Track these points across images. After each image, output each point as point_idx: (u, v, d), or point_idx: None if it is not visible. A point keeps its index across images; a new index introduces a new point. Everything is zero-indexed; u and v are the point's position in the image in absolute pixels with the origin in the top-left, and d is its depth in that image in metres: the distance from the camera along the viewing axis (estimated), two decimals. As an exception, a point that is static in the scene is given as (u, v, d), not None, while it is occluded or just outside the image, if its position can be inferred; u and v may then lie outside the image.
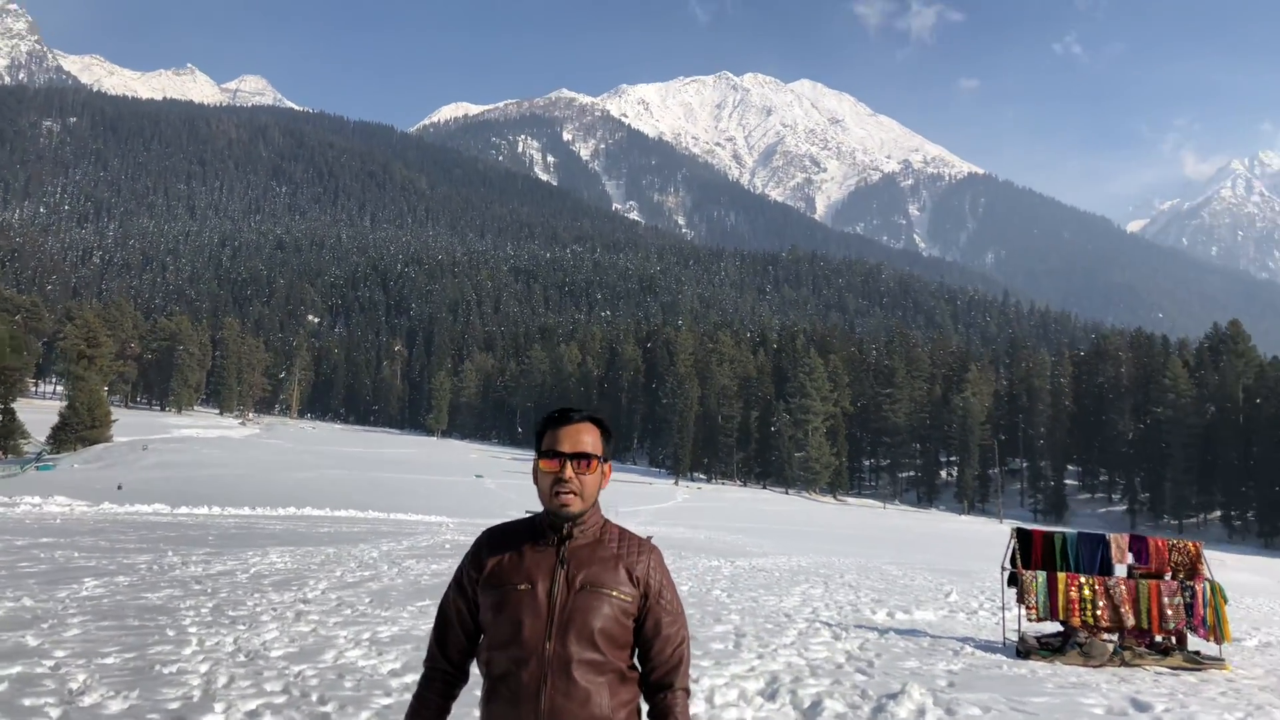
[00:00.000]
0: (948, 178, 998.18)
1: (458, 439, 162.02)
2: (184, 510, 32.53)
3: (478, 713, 2.29)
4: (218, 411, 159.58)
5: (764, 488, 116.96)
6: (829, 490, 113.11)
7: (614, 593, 2.26)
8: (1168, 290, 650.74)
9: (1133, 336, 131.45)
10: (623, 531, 2.42)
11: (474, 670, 2.37)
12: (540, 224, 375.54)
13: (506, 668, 2.22)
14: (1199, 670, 11.87)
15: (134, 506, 32.69)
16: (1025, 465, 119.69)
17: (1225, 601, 12.80)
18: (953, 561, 33.31)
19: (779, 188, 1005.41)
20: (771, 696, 8.04)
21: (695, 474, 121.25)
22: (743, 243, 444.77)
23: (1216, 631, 12.47)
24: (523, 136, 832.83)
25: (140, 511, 31.21)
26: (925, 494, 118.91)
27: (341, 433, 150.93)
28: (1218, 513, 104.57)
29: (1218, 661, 12.30)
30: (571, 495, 2.27)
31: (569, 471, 2.26)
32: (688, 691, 2.38)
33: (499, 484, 75.28)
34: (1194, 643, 13.28)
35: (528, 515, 2.46)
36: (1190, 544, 13.44)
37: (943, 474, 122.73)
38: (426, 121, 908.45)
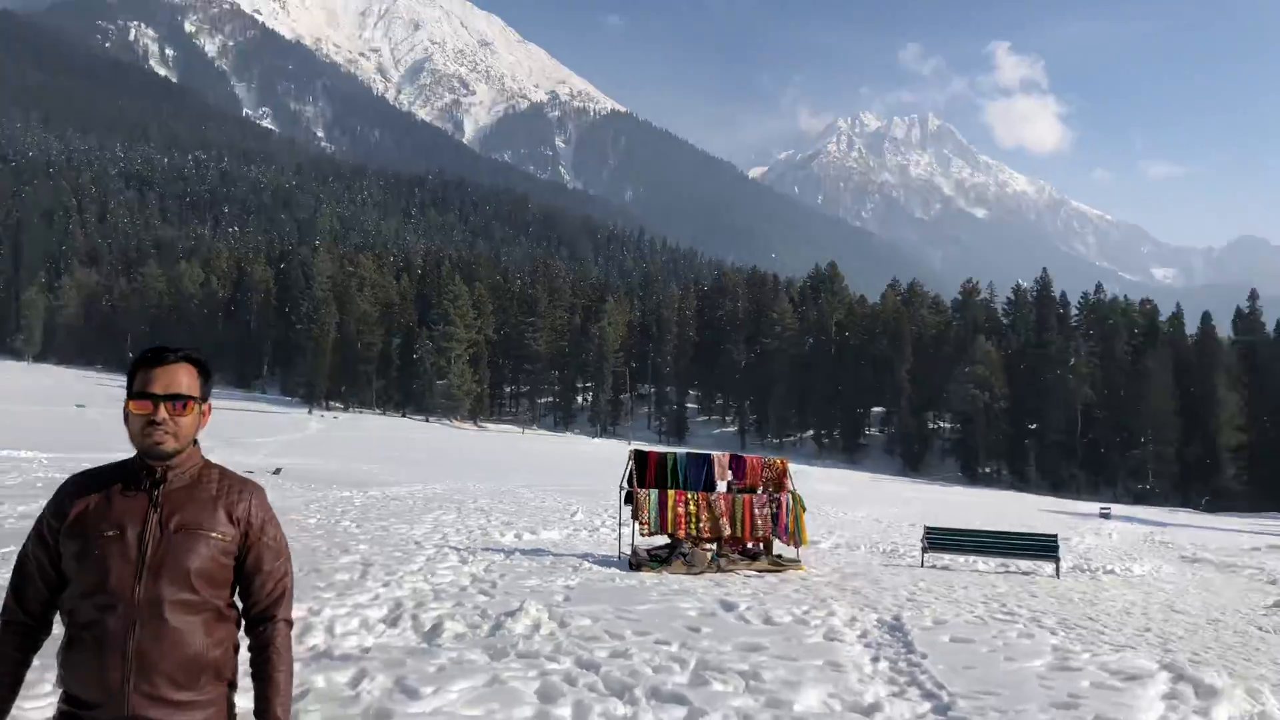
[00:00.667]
0: (593, 113, 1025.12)
1: (55, 364, 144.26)
2: None
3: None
4: None
5: (404, 416, 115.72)
6: (470, 417, 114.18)
7: (212, 533, 2.20)
8: (781, 233, 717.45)
9: (749, 274, 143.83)
10: (224, 472, 2.33)
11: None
12: (157, 125, 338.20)
13: (92, 615, 2.10)
14: (780, 571, 13.53)
15: None
16: (653, 391, 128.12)
17: (804, 510, 14.64)
18: (583, 483, 35.01)
19: (427, 107, 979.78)
20: (394, 622, 8.12)
21: (332, 403, 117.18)
22: (387, 162, 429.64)
23: (795, 536, 14.25)
24: (135, 23, 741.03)
25: None
26: (563, 419, 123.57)
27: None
28: (810, 432, 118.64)
29: (795, 563, 14.08)
30: (165, 435, 2.16)
31: (163, 413, 2.15)
32: (290, 622, 2.38)
33: (104, 414, 68.24)
34: (779, 547, 15.07)
35: (112, 462, 2.31)
36: (779, 460, 15.18)
37: (579, 399, 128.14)
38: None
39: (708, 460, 14.71)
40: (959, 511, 39.41)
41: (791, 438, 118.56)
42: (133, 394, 2.18)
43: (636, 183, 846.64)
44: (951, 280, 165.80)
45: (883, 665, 7.52)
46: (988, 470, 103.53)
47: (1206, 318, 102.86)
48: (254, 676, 2.29)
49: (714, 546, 13.77)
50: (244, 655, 2.29)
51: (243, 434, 53.69)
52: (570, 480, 37.06)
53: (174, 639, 2.12)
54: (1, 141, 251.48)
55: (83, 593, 2.13)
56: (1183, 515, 64.51)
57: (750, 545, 14.15)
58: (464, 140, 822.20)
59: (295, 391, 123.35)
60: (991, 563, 17.69)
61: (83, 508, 2.17)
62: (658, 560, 13.04)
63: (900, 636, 8.75)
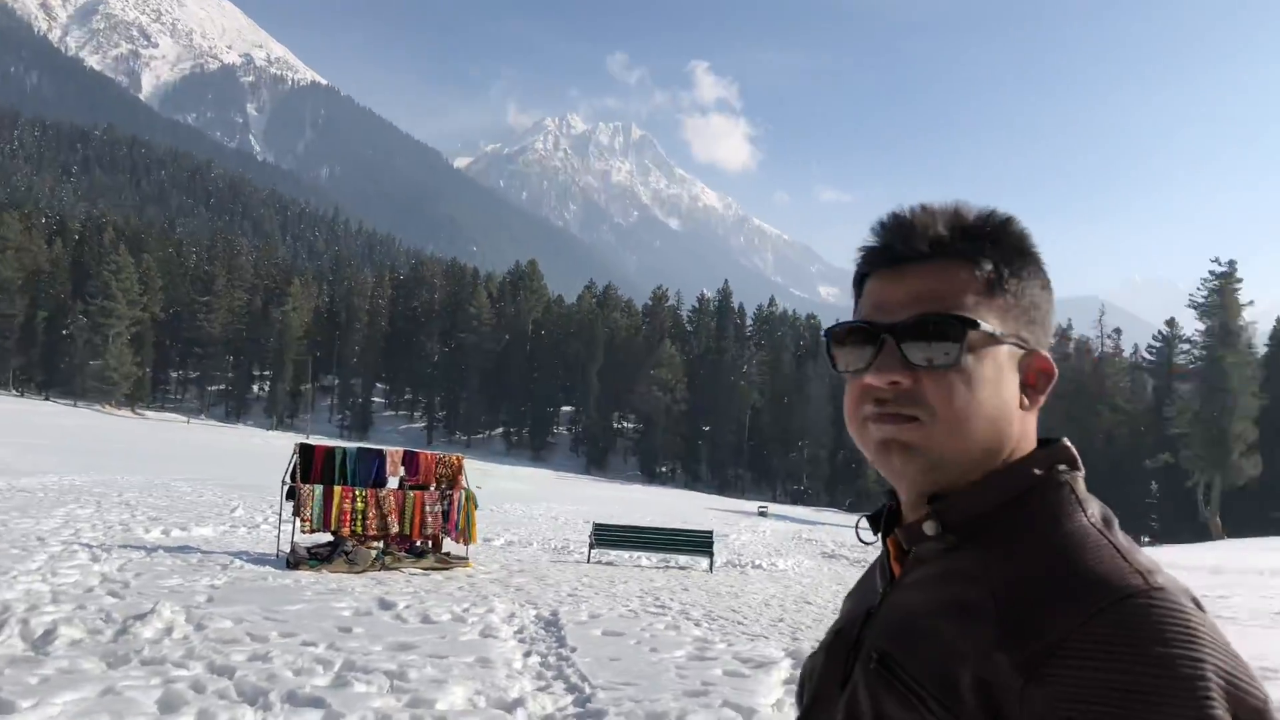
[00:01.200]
0: (291, 82, 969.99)
1: None
2: None
3: None
4: None
5: (47, 399, 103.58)
6: (128, 403, 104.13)
7: None
8: (483, 226, 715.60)
9: (449, 265, 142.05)
10: None
11: None
12: None
13: None
14: (447, 569, 13.48)
15: None
16: (338, 382, 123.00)
17: (476, 507, 14.69)
18: (250, 477, 33.08)
19: (98, 54, 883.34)
20: (-4, 628, 7.24)
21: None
22: (45, 110, 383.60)
23: (465, 534, 14.27)
24: None
25: None
26: (235, 409, 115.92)
27: None
28: (500, 430, 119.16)
29: (463, 561, 14.09)
30: None
31: None
32: None
33: None
34: (448, 545, 15.00)
35: None
36: (454, 457, 15.13)
37: (255, 389, 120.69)
38: None
39: (379, 456, 14.37)
40: (634, 509, 41.16)
41: (481, 435, 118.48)
42: None
43: (334, 161, 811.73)
44: (644, 285, 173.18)
45: (533, 660, 7.70)
46: (664, 469, 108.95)
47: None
48: None
49: (380, 544, 13.47)
50: None
51: None
52: (237, 475, 34.87)
53: None
54: None
55: None
56: (828, 514, 71.12)
57: (418, 543, 13.99)
58: (140, 96, 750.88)
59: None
60: (654, 558, 18.64)
61: None
62: (318, 559, 12.56)
63: (555, 631, 8.99)
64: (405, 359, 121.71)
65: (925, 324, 0.90)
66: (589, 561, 17.20)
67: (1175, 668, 0.72)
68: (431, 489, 14.40)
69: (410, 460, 14.67)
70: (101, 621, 7.70)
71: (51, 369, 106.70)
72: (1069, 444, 0.95)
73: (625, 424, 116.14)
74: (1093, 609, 0.76)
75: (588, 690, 6.68)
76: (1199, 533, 61.23)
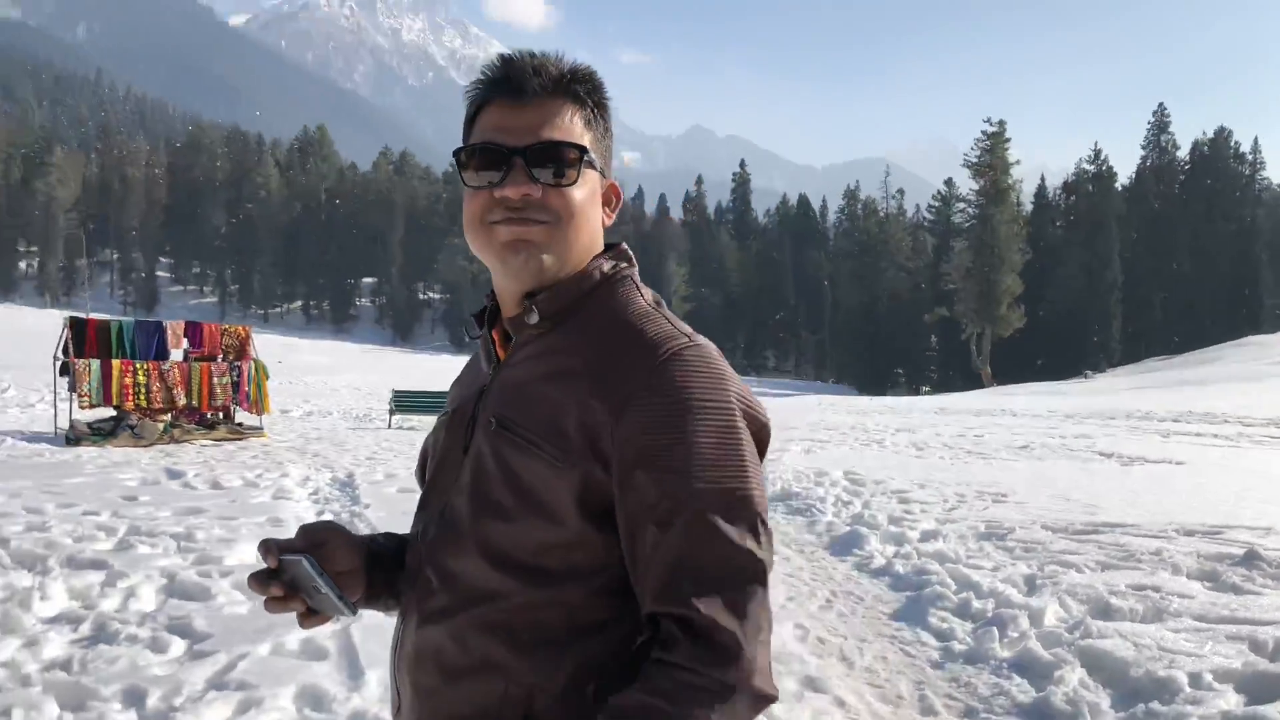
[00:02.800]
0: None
1: None
2: None
3: None
4: None
5: None
6: None
7: None
8: (267, 90, 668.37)
9: (230, 132, 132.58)
10: None
11: None
12: None
13: None
14: (240, 439, 13.28)
15: None
16: (117, 257, 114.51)
17: (267, 378, 14.42)
18: (23, 357, 30.90)
19: None
20: None
21: None
22: None
23: (258, 404, 14.03)
24: None
25: None
26: (2, 286, 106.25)
27: None
28: (299, 303, 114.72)
29: (257, 430, 13.90)
30: None
31: None
32: None
33: None
34: (242, 416, 14.72)
35: None
36: (241, 328, 14.72)
37: (22, 265, 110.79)
38: None
39: (159, 328, 13.78)
40: (440, 378, 40.99)
41: (278, 309, 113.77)
42: None
43: (91, 19, 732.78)
44: (443, 150, 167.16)
45: (326, 517, 7.87)
46: (474, 338, 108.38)
47: (663, 200, 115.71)
48: None
49: (168, 418, 13.09)
50: None
51: None
52: (7, 354, 32.48)
53: None
54: None
55: None
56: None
57: (209, 415, 13.67)
58: None
59: None
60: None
61: None
62: (101, 434, 12.12)
63: (350, 491, 9.17)
64: (190, 231, 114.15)
65: (552, 147, 1.12)
66: (390, 428, 17.28)
67: (710, 392, 1.06)
68: (219, 360, 14.00)
69: (193, 331, 14.16)
70: None
71: None
72: (626, 247, 1.26)
73: (431, 294, 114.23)
74: (656, 360, 1.07)
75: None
76: (973, 381, 66.69)
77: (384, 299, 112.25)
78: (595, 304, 1.17)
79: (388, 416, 18.07)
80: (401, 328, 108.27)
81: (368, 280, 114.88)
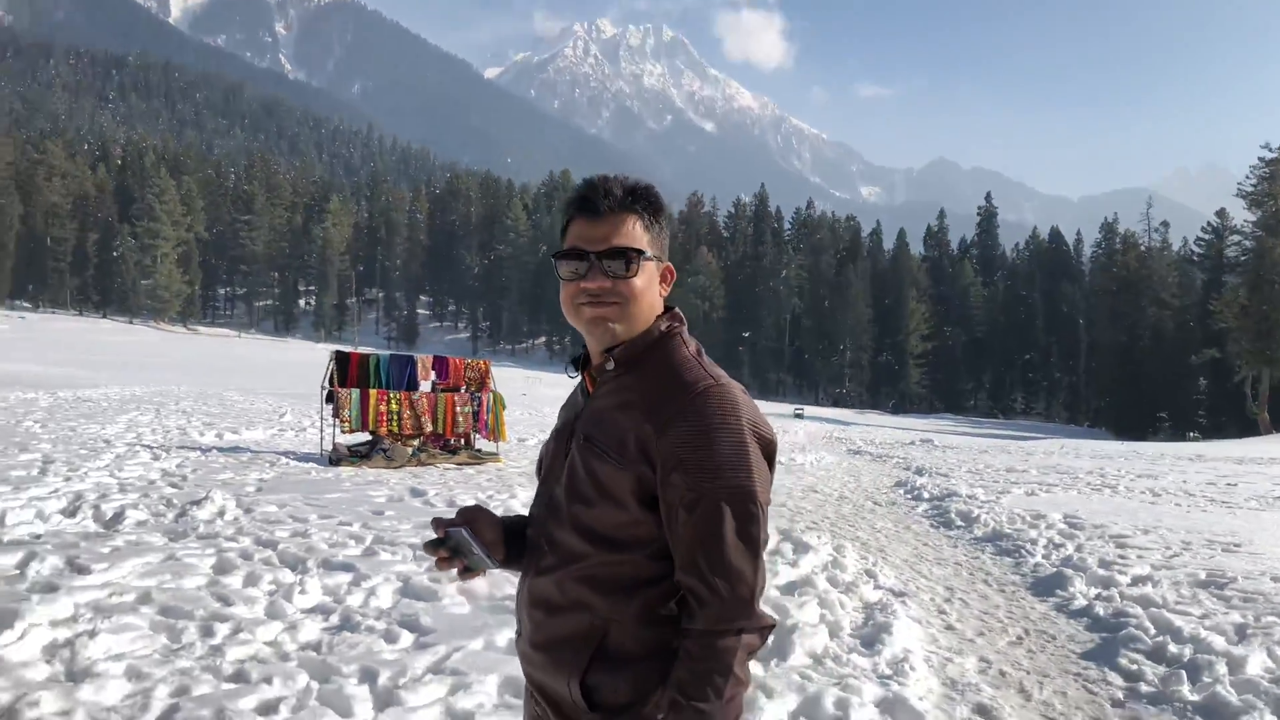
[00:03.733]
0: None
1: None
2: None
3: None
4: None
5: (104, 317, 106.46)
6: (180, 319, 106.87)
7: None
8: (516, 138, 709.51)
9: (483, 178, 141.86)
10: None
11: None
12: None
13: None
14: (478, 464, 14.40)
15: None
16: (382, 295, 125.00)
17: (504, 408, 15.54)
18: (298, 387, 34.33)
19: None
20: (72, 513, 8.20)
21: (18, 302, 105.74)
22: (77, 39, 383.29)
23: (495, 432, 15.15)
24: None
25: None
26: (283, 323, 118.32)
27: None
28: (543, 339, 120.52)
29: (494, 456, 15.01)
30: None
31: None
32: None
33: None
34: (481, 444, 15.91)
35: None
36: (482, 362, 15.95)
37: (301, 303, 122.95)
38: None
39: (410, 361, 15.22)
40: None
41: (525, 344, 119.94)
42: None
43: (365, 77, 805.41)
44: (681, 191, 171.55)
45: (545, 535, 8.53)
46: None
47: (902, 235, 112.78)
48: None
49: (416, 442, 14.40)
50: None
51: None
52: (286, 385, 36.21)
53: None
54: None
55: None
56: (871, 416, 71.68)
57: (451, 440, 14.91)
58: (170, 20, 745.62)
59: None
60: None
61: None
62: (358, 455, 13.52)
63: (569, 513, 9.81)
64: (446, 271, 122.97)
65: (618, 252, 1.64)
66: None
67: (726, 418, 1.55)
68: (462, 391, 15.25)
69: (440, 365, 15.52)
70: (163, 506, 8.66)
71: (106, 289, 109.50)
72: (678, 311, 1.76)
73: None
74: (689, 395, 1.57)
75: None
76: (1248, 427, 60.67)
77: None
78: (653, 354, 1.67)
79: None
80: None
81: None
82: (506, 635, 5.10)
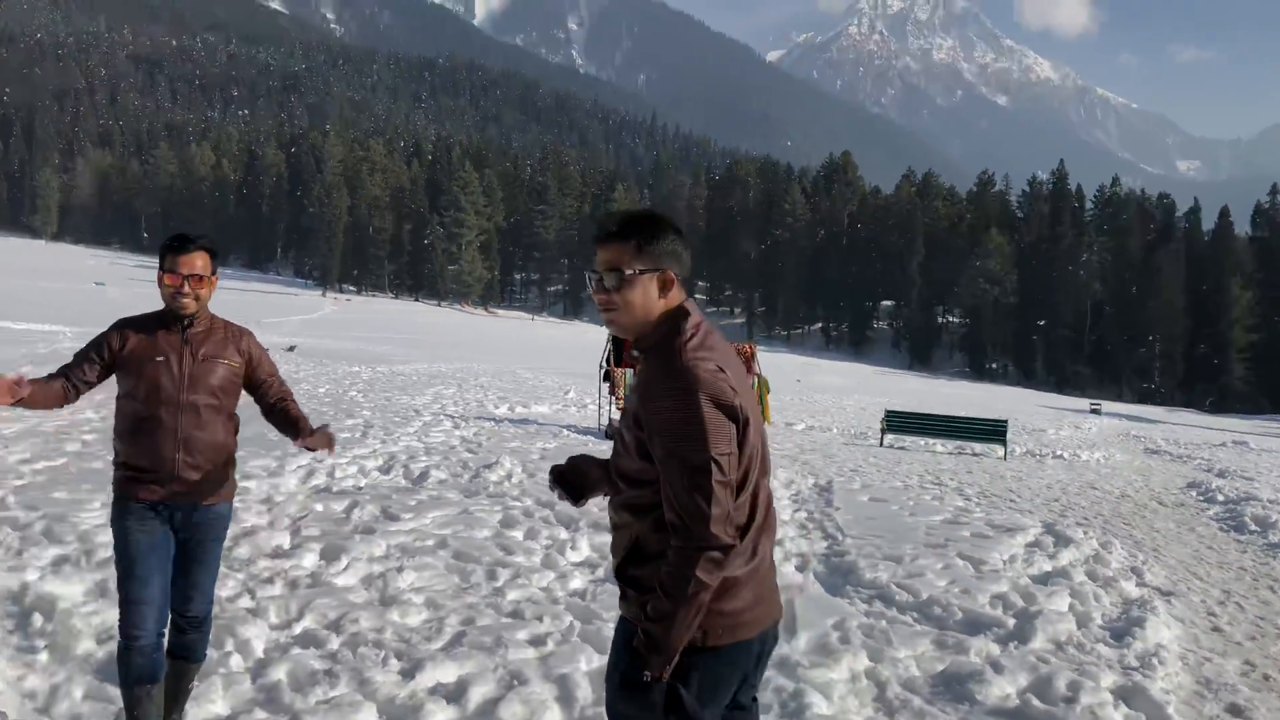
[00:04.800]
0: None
1: (71, 244, 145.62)
2: None
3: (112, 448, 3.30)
4: None
5: (416, 300, 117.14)
6: (481, 302, 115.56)
7: (226, 361, 3.36)
8: (797, 120, 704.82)
9: (762, 163, 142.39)
10: (227, 323, 3.50)
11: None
12: (165, 6, 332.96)
13: (147, 413, 3.24)
14: (745, 444, 14.86)
15: None
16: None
17: (769, 391, 15.90)
18: (583, 367, 36.29)
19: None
20: (387, 470, 9.44)
21: (345, 285, 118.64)
22: (397, 45, 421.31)
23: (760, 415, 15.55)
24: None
25: None
26: (571, 306, 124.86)
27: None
28: (819, 325, 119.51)
29: (760, 437, 15.41)
30: (189, 299, 3.28)
31: (186, 287, 3.23)
32: (294, 402, 3.58)
33: (123, 292, 69.68)
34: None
35: (150, 312, 3.42)
36: (746, 345, 16.38)
37: (587, 289, 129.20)
38: None
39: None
40: (955, 405, 40.54)
41: (800, 330, 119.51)
42: (164, 269, 3.25)
43: (650, 67, 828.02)
44: (970, 170, 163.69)
45: (800, 515, 8.82)
46: (994, 366, 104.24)
47: (1224, 213, 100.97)
48: (282, 423, 3.49)
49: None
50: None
51: (259, 314, 55.10)
52: (572, 365, 38.42)
53: (206, 428, 3.29)
54: (10, 22, 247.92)
55: (141, 397, 3.26)
56: (1182, 414, 65.25)
57: (719, 421, 15.46)
58: (474, 22, 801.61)
59: (309, 274, 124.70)
60: (950, 445, 18.95)
61: (135, 341, 3.27)
62: (632, 431, 14.37)
63: (825, 496, 10.03)
64: (723, 258, 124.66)
65: (610, 272, 2.16)
66: (881, 445, 17.95)
67: (686, 393, 2.03)
68: (729, 373, 15.78)
69: (710, 347, 16.15)
70: (461, 468, 9.74)
71: (418, 274, 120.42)
72: (685, 305, 2.21)
73: (950, 318, 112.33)
74: (663, 375, 2.08)
75: (840, 539, 7.70)
76: None
77: (901, 322, 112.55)
78: (656, 345, 2.15)
79: (879, 435, 18.75)
80: (919, 351, 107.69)
81: (886, 303, 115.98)
82: (751, 598, 5.49)
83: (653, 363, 2.11)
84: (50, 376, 3.29)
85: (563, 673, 4.14)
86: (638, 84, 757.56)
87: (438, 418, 14.72)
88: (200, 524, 3.33)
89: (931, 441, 18.99)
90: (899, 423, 18.36)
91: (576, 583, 5.82)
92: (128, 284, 78.68)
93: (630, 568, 2.17)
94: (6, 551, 5.73)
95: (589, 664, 4.32)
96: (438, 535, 6.71)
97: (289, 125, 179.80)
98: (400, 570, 5.72)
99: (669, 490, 2.03)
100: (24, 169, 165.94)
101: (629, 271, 2.14)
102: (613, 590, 5.62)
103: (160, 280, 3.26)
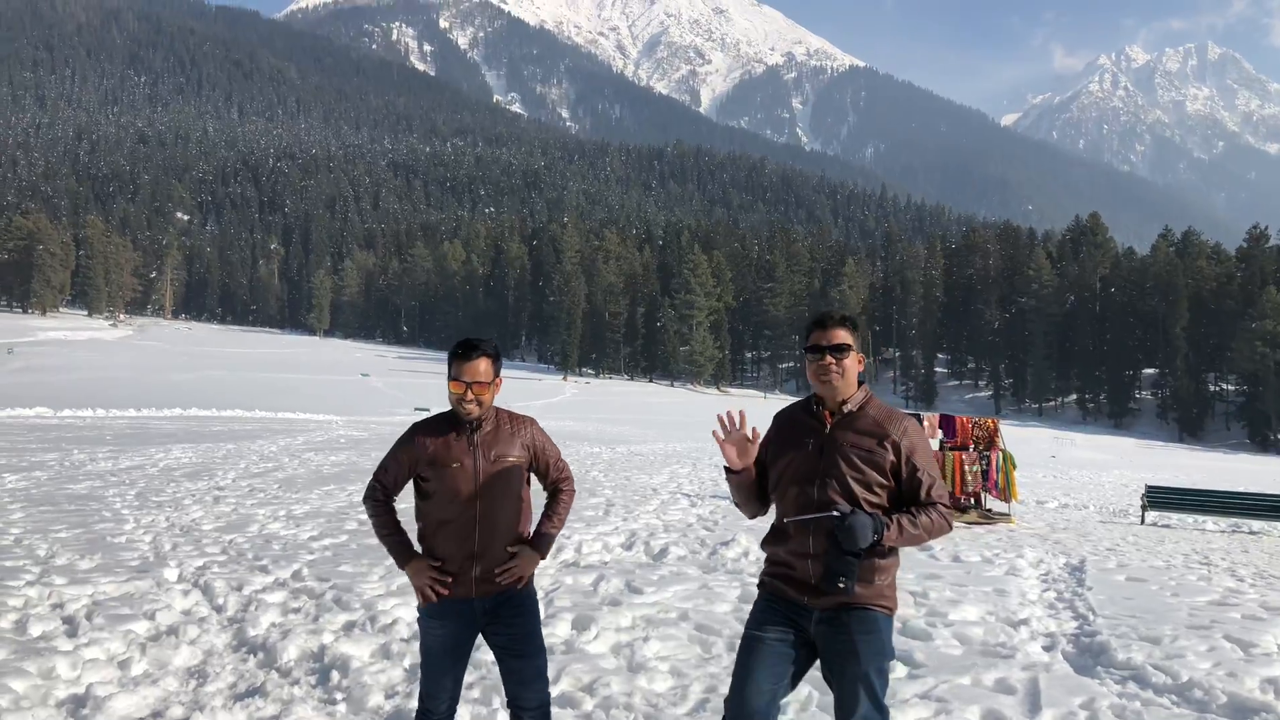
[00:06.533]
0: (830, 70, 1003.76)
1: (340, 338, 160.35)
2: (68, 413, 32.75)
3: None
4: (86, 313, 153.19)
5: (650, 381, 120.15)
6: (712, 382, 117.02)
7: (513, 458, 3.61)
8: (1037, 183, 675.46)
9: (1001, 229, 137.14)
10: (511, 415, 3.75)
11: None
12: (419, 117, 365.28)
13: (448, 515, 3.52)
14: (989, 524, 14.31)
15: (14, 410, 32.58)
16: (898, 354, 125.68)
17: (1014, 467, 15.28)
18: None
19: (663, 80, 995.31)
20: (629, 547, 9.89)
21: (583, 369, 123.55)
22: (628, 137, 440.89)
23: (1005, 491, 14.95)
24: (396, 24, 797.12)
25: (23, 415, 31.30)
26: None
27: (220, 333, 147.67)
28: (1074, 396, 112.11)
29: (1005, 517, 14.80)
30: (473, 405, 3.55)
31: (470, 394, 3.49)
32: (571, 491, 3.89)
33: (386, 383, 75.82)
34: (993, 504, 15.75)
35: (440, 412, 3.73)
36: (989, 420, 15.86)
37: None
38: (293, 7, 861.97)
39: (916, 420, 15.65)
40: (1231, 480, 37.00)
41: (1052, 402, 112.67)
42: (451, 377, 3.53)
43: (877, 139, 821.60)
44: (1238, 226, 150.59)
45: (1049, 595, 8.49)
46: (1279, 437, 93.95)
47: None
48: (543, 514, 3.76)
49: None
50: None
51: (509, 399, 57.84)
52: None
53: (501, 523, 3.57)
54: (289, 141, 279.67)
55: (442, 500, 3.57)
56: None
57: (961, 499, 14.98)
58: (700, 110, 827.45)
59: (550, 359, 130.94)
60: (1223, 523, 17.42)
61: (433, 445, 3.58)
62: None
63: (1078, 575, 9.57)
64: (964, 327, 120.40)
65: (839, 347, 3.09)
66: (1142, 523, 16.76)
67: (920, 430, 3.19)
68: (970, 450, 15.31)
69: (947, 424, 15.74)
70: (699, 545, 10.05)
71: (652, 355, 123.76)
72: (866, 386, 3.22)
73: (1223, 385, 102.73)
74: (907, 417, 3.20)
75: (1092, 619, 7.37)
76: None
77: (1167, 391, 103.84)
78: (867, 401, 3.14)
79: (1140, 512, 17.51)
80: (1188, 423, 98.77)
81: (1148, 371, 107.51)
82: (993, 676, 5.41)
83: (883, 412, 3.14)
84: (386, 520, 3.75)
85: (803, 740, 4.29)
86: (865, 157, 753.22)
87: (674, 496, 15.17)
88: (504, 612, 3.55)
89: (1201, 519, 17.55)
90: (1162, 499, 17.09)
91: (815, 657, 5.94)
92: (389, 374, 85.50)
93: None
94: (305, 617, 6.53)
95: (828, 733, 4.44)
96: (679, 608, 7.02)
97: (530, 220, 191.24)
98: (646, 640, 6.05)
99: (928, 480, 3.02)
100: (302, 272, 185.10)
101: (852, 349, 3.11)
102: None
103: (449, 385, 3.54)
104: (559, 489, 3.80)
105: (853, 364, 3.09)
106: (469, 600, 3.50)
